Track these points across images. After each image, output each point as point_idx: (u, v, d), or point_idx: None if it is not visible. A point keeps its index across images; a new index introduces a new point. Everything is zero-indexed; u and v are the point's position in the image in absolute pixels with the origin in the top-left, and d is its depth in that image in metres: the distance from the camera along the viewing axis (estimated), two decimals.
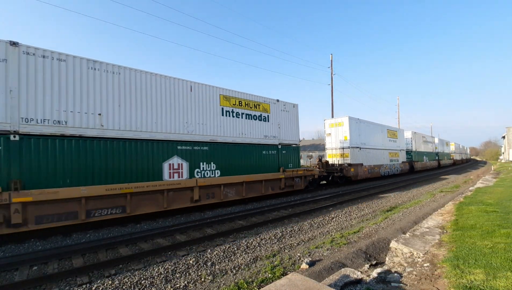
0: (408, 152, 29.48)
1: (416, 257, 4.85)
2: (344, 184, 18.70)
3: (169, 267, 5.07)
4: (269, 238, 6.79)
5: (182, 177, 9.56)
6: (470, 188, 14.02)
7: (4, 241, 6.53)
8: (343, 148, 19.34)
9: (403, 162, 26.89)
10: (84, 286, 4.40)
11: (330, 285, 3.85)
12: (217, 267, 5.16)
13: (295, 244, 6.45)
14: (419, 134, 33.92)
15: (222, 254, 5.74)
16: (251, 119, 12.21)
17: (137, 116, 8.60)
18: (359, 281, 4.08)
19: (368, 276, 4.43)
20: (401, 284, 3.92)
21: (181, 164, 9.60)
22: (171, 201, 8.95)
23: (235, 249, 6.04)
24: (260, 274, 4.75)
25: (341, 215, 9.43)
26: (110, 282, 4.51)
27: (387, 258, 5.23)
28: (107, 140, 7.90)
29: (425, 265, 4.42)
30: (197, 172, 10.04)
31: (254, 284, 4.41)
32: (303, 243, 6.56)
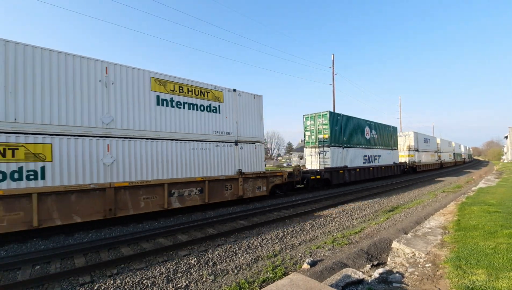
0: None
1: (418, 257, 4.84)
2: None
3: (171, 266, 5.08)
4: (271, 238, 6.79)
5: None
6: (473, 188, 13.97)
7: (7, 241, 6.59)
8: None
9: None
10: (86, 285, 4.42)
11: (331, 285, 3.85)
12: (218, 267, 5.17)
13: (296, 244, 6.45)
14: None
15: (223, 254, 5.75)
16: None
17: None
18: (360, 281, 4.08)
19: (370, 276, 4.42)
20: (403, 285, 3.91)
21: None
22: None
23: (237, 249, 6.04)
24: (262, 274, 4.76)
25: (343, 215, 9.42)
26: (112, 281, 4.53)
27: (388, 259, 5.21)
28: None
29: (427, 265, 4.41)
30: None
31: (256, 284, 4.42)
32: (304, 243, 6.56)
